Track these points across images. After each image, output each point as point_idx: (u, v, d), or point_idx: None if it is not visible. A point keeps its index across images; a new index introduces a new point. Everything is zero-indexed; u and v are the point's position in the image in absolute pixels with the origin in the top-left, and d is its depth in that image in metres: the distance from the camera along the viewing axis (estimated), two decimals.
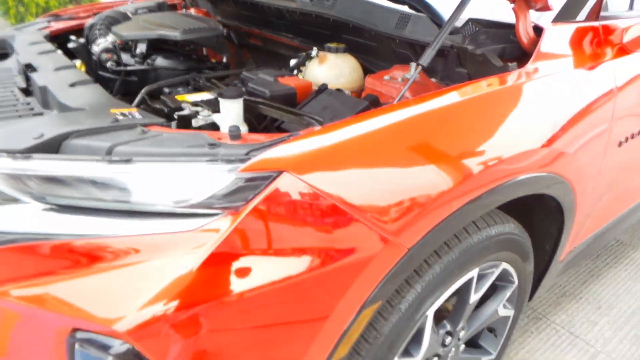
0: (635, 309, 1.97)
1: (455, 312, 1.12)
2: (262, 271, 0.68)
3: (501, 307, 1.24)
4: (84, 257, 0.68)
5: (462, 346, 1.22)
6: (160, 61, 1.35)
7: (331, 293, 0.73)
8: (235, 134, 0.75)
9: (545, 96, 0.99)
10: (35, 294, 0.68)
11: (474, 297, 1.09)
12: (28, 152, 0.72)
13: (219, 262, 0.66)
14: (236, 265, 0.67)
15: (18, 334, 0.71)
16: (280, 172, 0.69)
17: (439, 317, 1.14)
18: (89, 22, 1.61)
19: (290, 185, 0.70)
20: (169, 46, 1.46)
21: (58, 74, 1.11)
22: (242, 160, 0.69)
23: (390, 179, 0.76)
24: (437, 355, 1.13)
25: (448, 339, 1.13)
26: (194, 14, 1.72)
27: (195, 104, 1.00)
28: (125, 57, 1.40)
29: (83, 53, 1.46)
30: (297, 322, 0.72)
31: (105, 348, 0.67)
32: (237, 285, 0.67)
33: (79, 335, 0.69)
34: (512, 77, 0.95)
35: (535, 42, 1.05)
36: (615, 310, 1.96)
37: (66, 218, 0.70)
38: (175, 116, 0.96)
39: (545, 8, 1.06)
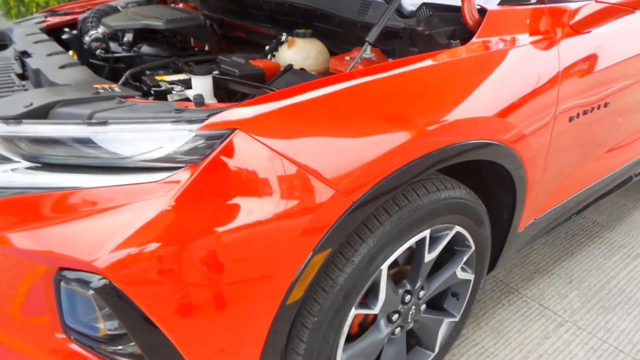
0: (604, 282, 2.07)
1: (412, 271, 1.22)
2: (217, 218, 0.79)
3: (459, 271, 1.34)
4: (66, 207, 0.80)
5: (423, 306, 1.33)
6: (145, 49, 1.47)
7: (283, 238, 0.84)
8: (199, 101, 0.86)
9: (484, 70, 1.09)
10: (26, 238, 0.80)
11: (429, 257, 1.20)
12: (19, 117, 0.84)
13: (179, 210, 0.78)
14: (195, 213, 0.78)
15: (12, 274, 0.83)
16: (233, 130, 0.80)
17: (399, 277, 1.26)
18: (82, 16, 1.73)
19: (242, 141, 0.80)
20: (154, 35, 1.58)
21: (50, 59, 1.23)
22: (202, 121, 0.80)
23: (335, 138, 0.87)
24: (397, 312, 1.23)
25: (407, 297, 1.24)
26: (180, 7, 1.84)
27: (171, 82, 1.12)
28: (114, 46, 1.51)
29: (75, 44, 1.57)
30: (253, 263, 0.83)
31: (86, 283, 0.79)
32: (196, 229, 0.78)
33: (64, 273, 0.80)
34: (451, 53, 1.06)
35: (480, 23, 1.15)
36: (586, 284, 2.06)
37: (51, 174, 0.81)
38: (152, 92, 1.08)
39: None
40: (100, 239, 0.77)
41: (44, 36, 1.49)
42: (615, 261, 2.22)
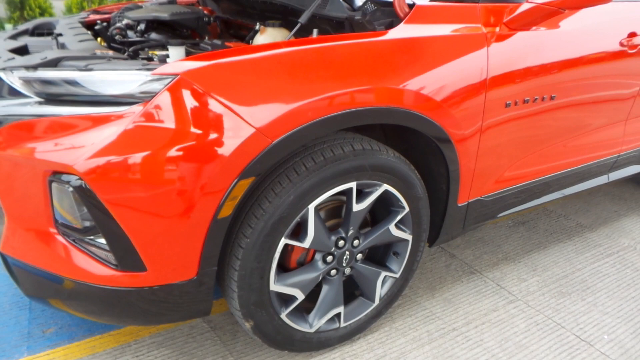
0: (568, 273, 2.17)
1: (344, 218, 1.45)
2: (161, 140, 1.08)
3: (394, 228, 1.55)
4: (59, 128, 1.11)
5: (360, 255, 1.54)
6: (153, 35, 1.81)
7: (213, 162, 1.11)
8: (161, 59, 1.16)
9: (396, 49, 1.33)
10: (31, 149, 1.12)
11: (357, 207, 1.42)
12: (36, 66, 1.17)
13: (133, 132, 1.07)
14: (144, 135, 1.07)
15: (25, 179, 1.15)
16: (177, 76, 1.09)
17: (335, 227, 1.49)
18: (114, 12, 2.12)
19: (184, 85, 1.09)
20: (163, 26, 1.92)
21: (75, 37, 1.59)
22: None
23: (258, 90, 1.14)
24: (332, 254, 1.46)
25: (341, 242, 1.47)
26: (188, 5, 2.19)
27: (157, 54, 1.43)
28: (131, 34, 1.87)
29: (104, 33, 1.95)
30: (188, 179, 1.10)
31: (68, 182, 1.09)
32: (144, 147, 1.07)
33: (55, 176, 1.11)
34: (369, 34, 1.31)
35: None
36: (549, 273, 2.17)
37: (52, 107, 1.13)
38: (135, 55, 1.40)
39: None
40: (79, 150, 1.08)
41: (79, 25, 1.88)
42: (586, 257, 2.32)
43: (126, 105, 1.10)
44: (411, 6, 1.43)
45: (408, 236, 1.60)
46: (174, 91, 1.09)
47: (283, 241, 1.32)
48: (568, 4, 1.50)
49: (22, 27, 2.01)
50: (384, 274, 1.62)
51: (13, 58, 1.34)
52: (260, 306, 1.36)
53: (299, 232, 1.37)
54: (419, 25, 1.41)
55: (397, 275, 1.66)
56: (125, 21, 1.93)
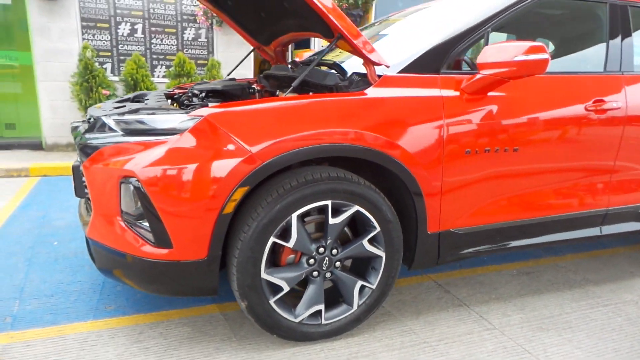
0: (555, 314, 2.33)
1: (324, 230, 1.89)
2: (191, 158, 1.66)
3: (367, 243, 1.94)
4: (131, 150, 1.75)
5: (338, 263, 1.94)
6: (210, 100, 2.52)
7: (222, 173, 1.65)
8: (197, 107, 1.78)
9: (361, 106, 1.83)
10: (113, 163, 1.76)
11: (333, 221, 1.85)
12: (123, 113, 1.86)
13: (173, 152, 1.67)
14: (180, 155, 1.66)
15: (102, 181, 1.79)
16: (203, 116, 1.69)
17: (319, 238, 1.93)
18: (189, 87, 2.90)
19: (207, 123, 1.68)
20: (218, 94, 2.63)
21: (156, 101, 2.32)
22: (189, 113, 1.72)
23: (255, 128, 1.69)
24: (313, 258, 1.89)
25: (321, 249, 1.90)
26: (237, 80, 2.91)
27: None
28: (195, 100, 2.59)
29: (178, 99, 2.71)
30: (206, 187, 1.65)
31: (130, 182, 1.70)
32: (179, 163, 1.65)
33: (124, 179, 1.73)
34: (340, 95, 1.85)
35: None
36: (536, 313, 2.34)
37: (128, 137, 1.79)
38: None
39: (379, 64, 1.94)
40: (139, 163, 1.69)
41: (162, 95, 2.65)
42: (580, 305, 2.45)
43: (170, 135, 1.71)
44: (379, 77, 1.96)
45: (381, 253, 1.98)
46: (200, 126, 1.69)
47: (272, 239, 1.79)
48: (509, 75, 1.92)
49: (127, 96, 2.84)
50: (360, 282, 1.99)
51: (113, 110, 2.06)
52: (253, 289, 1.81)
53: (285, 235, 1.84)
54: (386, 89, 1.92)
55: (374, 287, 2.02)
56: (193, 91, 2.68)
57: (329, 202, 1.84)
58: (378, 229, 1.95)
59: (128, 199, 1.75)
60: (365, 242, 1.95)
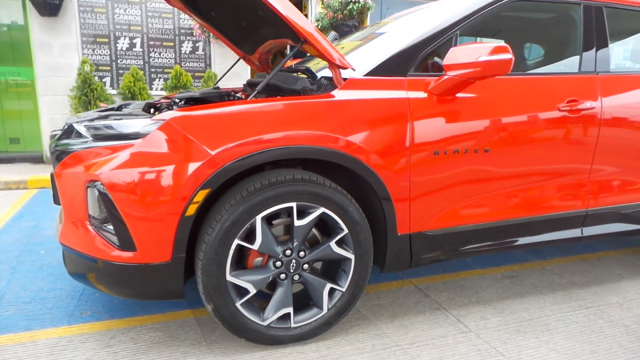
0: (534, 317, 2.29)
1: (290, 233, 1.90)
2: (152, 162, 1.68)
3: (335, 245, 1.94)
4: (98, 154, 1.78)
5: (306, 266, 1.94)
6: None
7: (183, 175, 1.68)
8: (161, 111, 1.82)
9: (330, 109, 1.85)
10: (81, 167, 1.79)
11: (298, 222, 1.86)
12: (92, 119, 1.90)
13: (136, 156, 1.69)
14: (141, 158, 1.69)
15: (71, 186, 1.82)
16: (165, 120, 1.72)
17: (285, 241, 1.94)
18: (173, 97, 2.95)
19: (168, 126, 1.71)
20: (197, 101, 2.67)
21: (135, 109, 2.37)
22: (152, 117, 1.75)
23: (214, 132, 1.72)
24: (280, 260, 1.89)
25: (288, 252, 1.90)
26: (221, 88, 2.95)
27: None
28: (175, 107, 2.64)
29: (159, 108, 2.75)
30: (169, 189, 1.68)
31: (95, 186, 1.73)
32: (140, 166, 1.68)
33: (90, 183, 1.76)
34: (301, 98, 1.87)
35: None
36: (515, 316, 2.31)
37: (96, 142, 1.82)
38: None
39: (345, 67, 1.96)
40: (104, 167, 1.72)
41: (141, 104, 2.70)
42: (562, 307, 2.41)
43: (135, 139, 1.75)
44: (346, 79, 1.98)
45: (350, 255, 1.98)
46: (162, 130, 1.72)
47: (236, 242, 1.80)
48: (474, 75, 1.92)
49: (111, 106, 2.90)
50: (329, 285, 1.99)
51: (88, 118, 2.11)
52: (218, 291, 1.81)
53: (251, 237, 1.84)
54: (350, 91, 1.94)
55: (344, 289, 2.01)
56: (175, 100, 2.72)
57: (293, 204, 1.85)
58: (346, 231, 1.95)
59: (94, 203, 1.78)
60: (332, 244, 1.95)
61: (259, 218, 1.81)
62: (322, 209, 1.89)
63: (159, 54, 6.12)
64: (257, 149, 1.74)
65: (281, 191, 1.81)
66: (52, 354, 1.89)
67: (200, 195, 1.72)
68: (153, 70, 6.14)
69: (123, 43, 5.93)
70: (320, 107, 1.87)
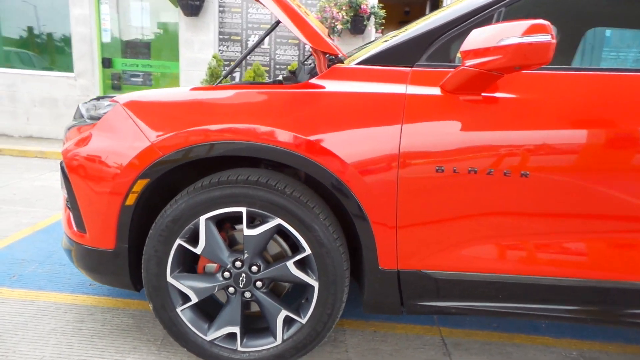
0: None
1: (243, 242, 1.63)
2: (97, 143, 1.62)
3: (292, 266, 1.60)
4: (77, 133, 1.81)
5: (259, 283, 1.64)
6: None
7: (123, 162, 1.57)
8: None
9: (295, 101, 1.51)
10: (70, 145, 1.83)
11: (248, 232, 1.57)
12: (87, 102, 1.92)
13: (93, 136, 1.65)
14: (95, 139, 1.64)
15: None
16: (117, 103, 1.63)
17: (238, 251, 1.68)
18: None
19: (119, 109, 1.62)
20: None
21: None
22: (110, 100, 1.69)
23: (160, 119, 1.56)
24: (229, 271, 1.64)
25: (238, 263, 1.64)
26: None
27: None
28: None
29: None
30: (108, 175, 1.59)
31: (61, 165, 1.75)
32: (90, 146, 1.63)
33: (60, 162, 1.80)
34: (278, 87, 1.55)
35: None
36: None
37: (90, 120, 1.86)
38: None
39: (332, 53, 1.59)
40: (67, 145, 1.73)
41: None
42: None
43: (97, 119, 1.71)
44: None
45: (313, 282, 1.62)
46: (113, 112, 1.65)
47: (178, 241, 1.62)
48: (496, 66, 1.36)
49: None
50: (284, 312, 1.66)
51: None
52: (157, 291, 1.67)
53: (196, 239, 1.65)
54: (329, 81, 1.57)
55: (304, 322, 1.66)
56: None
57: (243, 210, 1.59)
58: (308, 251, 1.60)
59: (62, 181, 1.81)
60: (290, 264, 1.62)
61: (202, 219, 1.60)
62: (278, 221, 1.58)
63: (284, 51, 6.33)
64: (197, 141, 1.53)
65: (228, 192, 1.57)
66: (35, 316, 2.00)
67: (139, 185, 1.59)
68: (277, 66, 6.38)
69: (253, 40, 6.29)
70: (280, 98, 1.56)
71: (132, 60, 6.81)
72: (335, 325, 1.70)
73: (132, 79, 6.88)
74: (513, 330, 2.15)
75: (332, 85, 1.57)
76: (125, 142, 1.60)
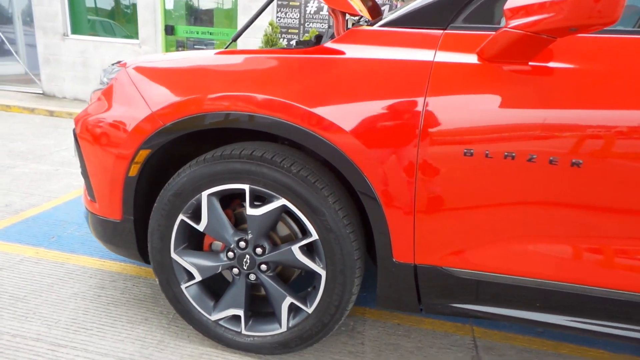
0: None
1: (247, 221, 1.51)
2: (103, 110, 1.55)
3: (298, 251, 1.45)
4: (95, 97, 1.76)
5: (264, 266, 1.52)
6: None
7: (125, 130, 1.49)
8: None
9: (302, 69, 1.33)
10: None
11: (251, 211, 1.45)
12: (107, 67, 1.87)
13: (97, 106, 1.59)
14: (99, 108, 1.58)
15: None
16: (122, 68, 1.54)
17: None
18: None
19: (124, 74, 1.52)
20: None
21: None
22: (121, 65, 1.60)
23: (162, 87, 1.44)
24: (233, 251, 1.54)
25: (242, 244, 1.53)
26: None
27: None
28: None
29: None
30: (112, 140, 1.52)
31: (73, 131, 1.72)
32: (100, 111, 1.57)
33: (73, 129, 1.77)
34: (290, 51, 1.38)
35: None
36: None
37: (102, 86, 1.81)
38: None
39: (353, 14, 1.36)
40: (80, 112, 1.69)
41: None
42: None
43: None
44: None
45: (320, 270, 1.47)
46: (118, 77, 1.56)
47: (181, 216, 1.54)
48: (546, 26, 1.08)
49: None
50: (289, 299, 1.54)
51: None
52: (162, 267, 1.61)
53: (198, 215, 1.55)
54: (346, 45, 1.37)
55: (309, 311, 1.53)
56: None
57: (246, 187, 1.46)
58: (315, 236, 1.45)
59: (74, 148, 1.79)
60: (295, 248, 1.48)
61: (204, 194, 1.50)
62: (282, 201, 1.44)
63: None
64: (197, 111, 1.41)
65: (230, 167, 1.44)
66: (62, 278, 2.06)
67: (141, 156, 1.51)
68: None
69: (311, 7, 6.05)
70: (286, 64, 1.38)
71: (193, 27, 6.87)
72: (345, 317, 1.55)
73: (196, 46, 6.96)
74: (561, 337, 1.88)
75: (347, 50, 1.36)
76: (127, 110, 1.52)
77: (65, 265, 2.18)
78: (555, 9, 1.05)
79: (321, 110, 1.32)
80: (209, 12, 6.86)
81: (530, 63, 1.23)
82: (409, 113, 1.28)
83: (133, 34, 7.09)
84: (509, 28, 1.15)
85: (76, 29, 7.28)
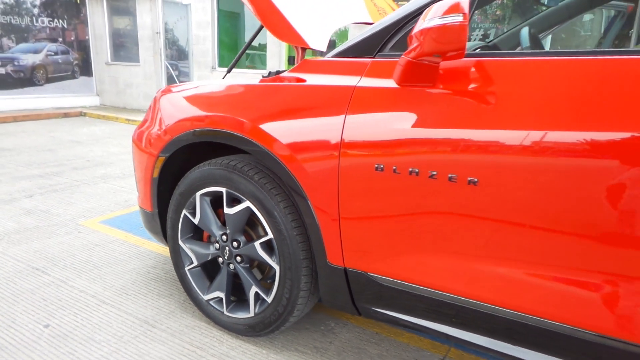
0: None
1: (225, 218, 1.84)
2: (145, 124, 2.07)
3: (259, 247, 1.72)
4: None
5: (239, 258, 1.83)
6: None
7: (154, 141, 1.97)
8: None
9: (260, 94, 1.61)
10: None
11: (227, 210, 1.77)
12: None
13: (145, 120, 2.12)
14: (144, 122, 2.10)
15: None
16: (157, 94, 2.04)
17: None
18: None
19: (157, 100, 2.02)
20: None
21: None
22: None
23: (175, 112, 1.88)
24: (217, 242, 1.89)
25: (224, 237, 1.86)
26: None
27: None
28: None
29: None
30: (146, 148, 2.03)
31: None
32: (142, 129, 2.10)
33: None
34: (263, 82, 1.69)
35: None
36: None
37: None
38: None
39: (307, 47, 1.60)
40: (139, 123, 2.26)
41: None
42: None
43: None
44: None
45: (275, 265, 1.73)
46: (153, 100, 2.07)
47: (184, 211, 1.96)
48: (417, 54, 1.20)
49: None
50: (254, 288, 1.82)
51: None
52: (174, 251, 2.05)
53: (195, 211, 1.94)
54: (297, 74, 1.63)
55: (269, 301, 1.79)
56: None
57: (224, 190, 1.81)
58: (270, 235, 1.72)
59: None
60: (257, 244, 1.76)
61: (198, 194, 1.89)
62: (248, 203, 1.75)
63: None
64: (189, 127, 1.82)
65: (215, 174, 1.81)
66: (130, 257, 2.66)
67: (160, 162, 1.98)
68: None
69: None
70: (250, 91, 1.70)
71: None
72: (300, 312, 1.75)
73: None
74: None
75: (295, 78, 1.63)
76: (154, 126, 2.01)
77: (139, 248, 2.80)
78: (418, 37, 1.18)
79: (266, 126, 1.60)
80: (331, 43, 7.51)
81: (440, 86, 1.33)
82: (332, 128, 1.47)
83: (262, 64, 8.14)
84: (403, 55, 1.30)
85: (222, 62, 8.68)
